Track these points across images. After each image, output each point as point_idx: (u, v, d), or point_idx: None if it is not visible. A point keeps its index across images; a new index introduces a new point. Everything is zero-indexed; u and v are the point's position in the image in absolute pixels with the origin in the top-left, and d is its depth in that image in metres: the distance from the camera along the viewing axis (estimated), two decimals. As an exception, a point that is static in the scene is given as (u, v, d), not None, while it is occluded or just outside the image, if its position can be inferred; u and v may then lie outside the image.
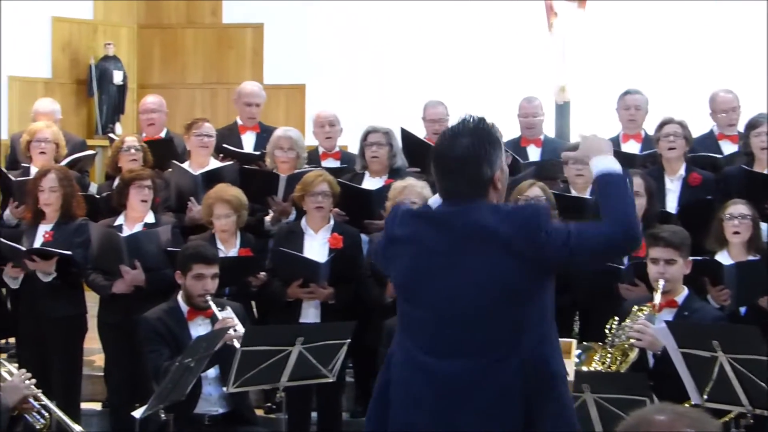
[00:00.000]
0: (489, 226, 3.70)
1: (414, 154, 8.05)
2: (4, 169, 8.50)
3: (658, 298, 5.80)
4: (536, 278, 3.74)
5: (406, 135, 8.34)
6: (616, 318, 5.86)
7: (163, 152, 8.19)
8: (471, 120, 3.84)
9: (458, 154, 3.77)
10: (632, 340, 5.66)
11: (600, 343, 5.82)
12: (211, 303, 6.23)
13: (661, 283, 5.80)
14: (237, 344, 5.84)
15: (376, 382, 4.01)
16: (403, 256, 3.84)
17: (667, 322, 5.51)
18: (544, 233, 3.68)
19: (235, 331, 6.02)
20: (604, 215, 3.78)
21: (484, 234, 3.70)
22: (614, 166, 3.87)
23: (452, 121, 8.64)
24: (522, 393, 3.66)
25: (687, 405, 5.03)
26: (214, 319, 6.26)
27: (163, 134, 8.92)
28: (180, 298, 6.42)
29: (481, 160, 3.78)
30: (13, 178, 8.05)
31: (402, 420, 3.80)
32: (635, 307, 5.86)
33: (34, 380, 4.98)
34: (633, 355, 5.68)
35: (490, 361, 3.68)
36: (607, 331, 5.84)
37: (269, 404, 7.56)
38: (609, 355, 5.74)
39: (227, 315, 6.20)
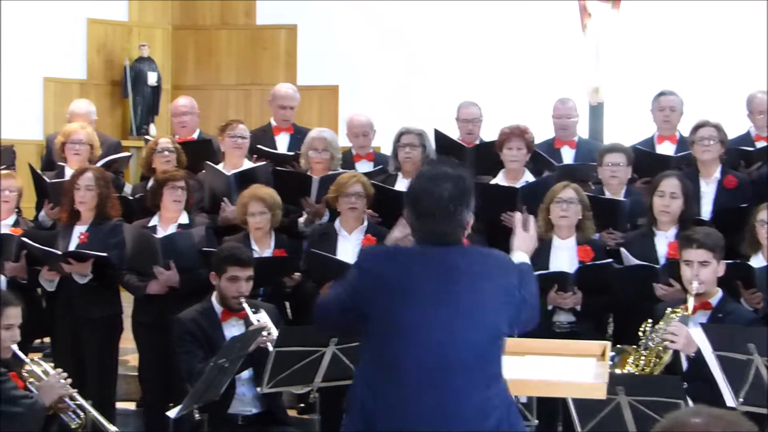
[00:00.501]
0: (480, 267, 3.90)
1: (448, 155, 8.03)
2: (39, 170, 8.54)
3: (691, 300, 5.77)
4: (512, 321, 3.98)
5: (440, 136, 8.33)
6: (650, 321, 5.84)
7: (199, 153, 8.21)
8: (449, 165, 4.00)
9: (443, 199, 3.88)
10: (666, 343, 5.63)
11: (634, 346, 5.80)
12: (245, 305, 6.25)
13: (695, 284, 5.78)
14: (270, 347, 5.86)
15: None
16: (388, 294, 3.87)
17: (701, 324, 5.48)
18: (519, 285, 3.99)
19: (269, 334, 6.04)
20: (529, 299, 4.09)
21: (476, 275, 3.87)
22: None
23: (486, 122, 8.76)
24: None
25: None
26: (247, 320, 6.27)
27: (195, 135, 8.95)
28: (214, 299, 6.45)
29: (464, 206, 3.93)
30: (48, 180, 8.09)
31: None
32: (668, 310, 5.83)
33: (69, 380, 5.01)
34: (666, 357, 5.66)
35: (483, 390, 3.84)
36: (640, 333, 5.82)
37: (302, 405, 7.57)
38: (643, 358, 5.72)
39: (261, 319, 6.22)
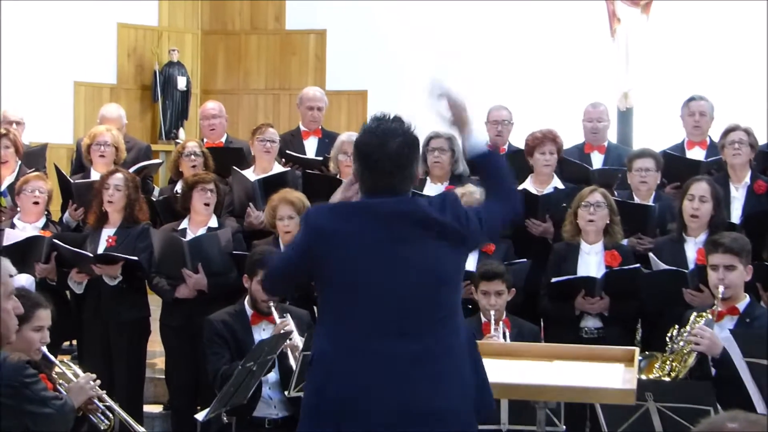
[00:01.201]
0: (423, 213, 3.99)
1: None
2: (68, 173, 8.58)
3: (718, 304, 5.75)
4: (460, 263, 4.12)
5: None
6: (677, 326, 5.82)
7: (229, 160, 8.23)
8: (396, 120, 4.14)
9: (393, 153, 4.01)
10: (691, 345, 5.61)
11: (662, 354, 5.78)
12: (273, 309, 6.27)
13: (721, 289, 5.75)
14: (291, 355, 5.88)
15: (305, 392, 4.10)
16: (338, 249, 3.95)
17: (730, 331, 5.46)
18: (464, 216, 4.04)
19: (290, 339, 6.06)
20: (492, 194, 4.28)
21: (419, 222, 3.97)
22: (482, 146, 4.46)
23: (517, 125, 8.74)
24: (468, 365, 3.98)
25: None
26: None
27: (223, 140, 8.98)
28: (246, 302, 6.48)
29: (413, 160, 4.08)
30: (72, 181, 8.13)
31: (355, 408, 3.88)
32: (694, 314, 5.81)
33: (98, 381, 5.03)
34: (691, 359, 5.62)
35: (441, 339, 3.93)
36: (667, 339, 5.80)
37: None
38: (669, 362, 5.70)
39: (285, 321, 6.24)
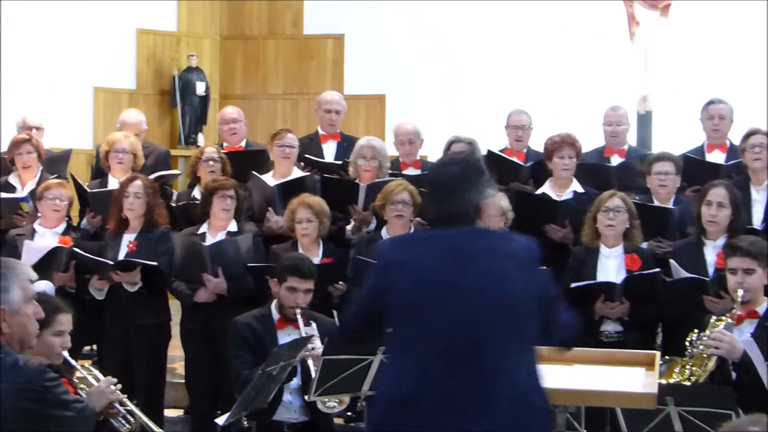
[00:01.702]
0: (496, 244, 4.01)
1: (502, 175, 7.90)
2: (88, 179, 8.60)
3: (737, 308, 5.73)
4: (532, 298, 3.99)
5: (494, 157, 8.23)
6: (696, 330, 5.80)
7: (250, 163, 8.23)
8: (461, 155, 4.37)
9: (450, 180, 4.04)
10: (711, 349, 5.58)
11: (681, 358, 5.76)
12: (299, 317, 6.28)
13: (740, 292, 5.73)
14: (311, 364, 5.89)
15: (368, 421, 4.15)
16: (405, 277, 3.96)
17: (752, 335, 5.44)
18: (541, 270, 4.11)
19: (313, 348, 6.06)
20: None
21: (491, 252, 3.96)
22: None
23: (535, 129, 8.74)
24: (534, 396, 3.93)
25: None
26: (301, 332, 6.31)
27: (243, 144, 8.99)
28: (273, 306, 6.50)
29: (471, 187, 4.03)
30: (88, 189, 8.16)
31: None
32: (713, 318, 5.79)
33: (119, 385, 5.04)
34: (711, 363, 5.61)
35: (509, 367, 3.88)
36: (687, 343, 5.77)
37: (349, 413, 7.56)
38: (688, 367, 5.68)
39: (310, 332, 6.24)
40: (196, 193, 8.10)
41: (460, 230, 4.00)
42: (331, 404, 6.06)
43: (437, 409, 3.84)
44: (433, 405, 3.85)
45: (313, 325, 6.34)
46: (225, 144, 8.93)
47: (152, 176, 8.16)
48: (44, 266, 7.13)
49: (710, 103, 8.44)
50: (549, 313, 4.07)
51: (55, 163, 8.77)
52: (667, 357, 5.81)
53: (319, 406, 6.10)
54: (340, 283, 7.20)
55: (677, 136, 10.10)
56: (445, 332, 3.88)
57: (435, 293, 3.91)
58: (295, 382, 6.22)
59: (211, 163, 8.08)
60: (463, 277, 3.90)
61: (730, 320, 5.68)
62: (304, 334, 6.19)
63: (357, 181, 7.93)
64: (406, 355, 3.95)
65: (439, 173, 4.14)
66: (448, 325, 3.88)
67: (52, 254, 7.36)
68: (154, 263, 7.26)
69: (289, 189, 7.69)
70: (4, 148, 8.78)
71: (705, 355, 5.63)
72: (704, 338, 5.66)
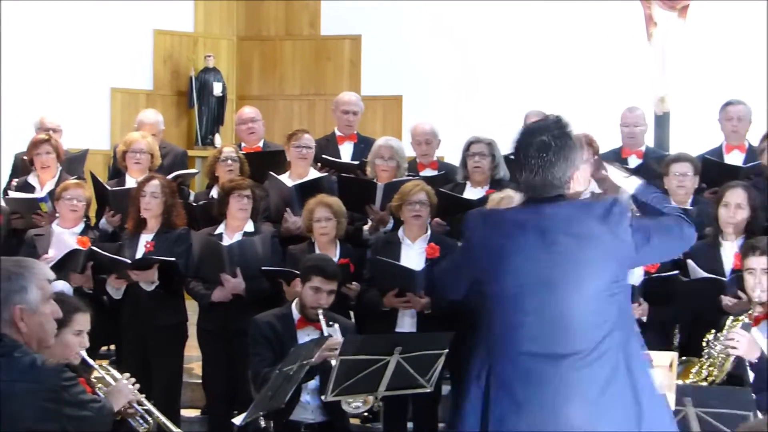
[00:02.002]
0: (585, 221, 3.89)
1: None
2: (104, 179, 8.62)
3: (755, 308, 5.70)
4: (625, 268, 4.00)
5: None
6: (713, 331, 5.77)
7: (267, 164, 8.23)
8: (554, 119, 4.06)
9: (537, 149, 3.95)
10: (728, 350, 5.56)
11: (698, 359, 5.74)
12: (321, 317, 6.28)
13: (758, 292, 5.71)
14: (334, 362, 5.87)
15: (465, 398, 4.07)
16: (495, 261, 3.92)
17: (768, 335, 5.43)
18: (631, 226, 3.94)
19: (335, 350, 6.05)
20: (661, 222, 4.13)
21: (580, 230, 3.88)
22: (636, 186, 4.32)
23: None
24: (630, 385, 3.87)
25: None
26: (322, 332, 6.31)
27: (260, 144, 9.00)
28: (294, 305, 6.50)
29: (560, 156, 3.97)
30: (109, 188, 8.17)
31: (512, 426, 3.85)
32: (731, 319, 5.76)
33: (137, 385, 5.05)
34: (728, 364, 5.58)
35: (598, 354, 3.84)
36: (704, 344, 5.75)
37: (366, 413, 7.56)
38: (706, 368, 5.66)
39: (333, 333, 6.24)
40: (215, 193, 8.11)
41: (546, 206, 3.95)
42: (356, 404, 6.04)
43: (526, 400, 3.85)
44: (522, 395, 3.86)
45: (336, 326, 6.34)
46: (243, 144, 8.95)
47: (170, 176, 8.17)
48: (61, 267, 7.15)
49: (729, 104, 8.42)
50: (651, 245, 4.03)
51: (72, 164, 8.81)
52: (684, 357, 5.79)
53: (344, 406, 6.09)
54: (353, 283, 7.20)
55: (695, 137, 10.06)
56: (532, 321, 3.88)
57: (525, 280, 3.89)
58: (314, 382, 6.21)
59: (229, 162, 8.09)
60: (552, 263, 3.88)
61: (747, 320, 5.66)
62: (327, 335, 6.19)
63: (374, 180, 7.93)
64: (496, 340, 3.95)
65: (527, 142, 4.02)
66: (541, 314, 3.88)
67: (70, 256, 7.37)
68: (172, 258, 7.27)
69: (307, 189, 7.68)
70: (23, 149, 8.82)
71: (722, 356, 5.61)
72: (721, 338, 5.64)
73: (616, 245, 3.92)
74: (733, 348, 5.53)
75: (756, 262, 5.79)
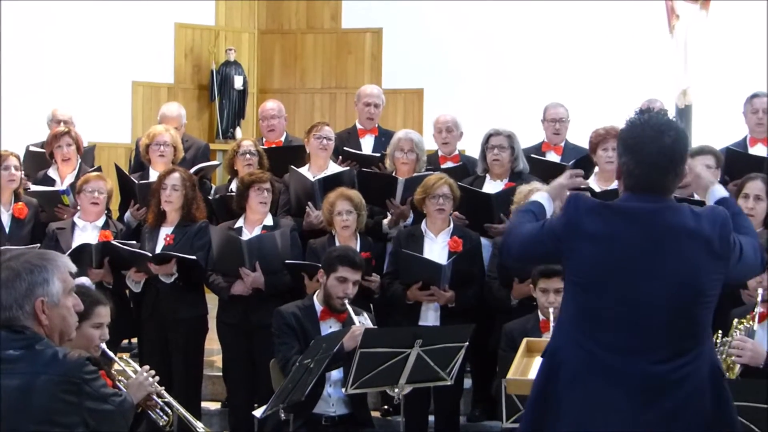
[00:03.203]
0: (690, 225, 3.80)
1: (545, 175, 7.84)
2: (126, 172, 8.63)
3: (758, 308, 5.65)
4: (721, 281, 3.86)
5: (535, 161, 8.20)
6: (720, 331, 5.71)
7: (288, 159, 8.21)
8: (665, 113, 3.94)
9: (668, 148, 3.82)
10: (733, 357, 5.52)
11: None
12: (348, 307, 6.28)
13: (760, 291, 5.66)
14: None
15: (537, 380, 3.99)
16: (592, 249, 3.82)
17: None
18: (733, 239, 3.85)
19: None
20: (747, 242, 3.97)
21: (687, 233, 3.78)
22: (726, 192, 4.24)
23: (574, 123, 8.68)
24: (707, 393, 3.78)
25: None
26: (346, 322, 6.33)
27: (282, 139, 8.99)
28: (316, 297, 6.50)
29: (684, 159, 3.89)
30: (136, 181, 8.18)
31: (579, 421, 3.79)
32: (735, 321, 5.70)
33: (157, 378, 5.06)
34: (736, 369, 5.53)
35: (682, 362, 3.76)
36: (713, 345, 5.70)
37: (386, 407, 7.57)
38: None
39: (363, 321, 6.24)
40: (234, 186, 8.11)
41: (657, 204, 3.84)
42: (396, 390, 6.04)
43: (597, 400, 3.77)
44: (593, 393, 3.77)
45: (365, 314, 6.35)
46: (264, 139, 8.95)
47: (192, 169, 8.18)
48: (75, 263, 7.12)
49: (754, 96, 8.36)
50: (740, 263, 3.92)
51: (86, 157, 8.80)
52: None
53: (388, 391, 6.11)
54: (374, 275, 7.19)
55: (717, 130, 10.01)
56: (628, 315, 3.77)
57: (622, 274, 3.78)
58: (337, 374, 6.23)
59: (248, 156, 8.08)
60: (655, 261, 3.76)
61: (750, 324, 5.59)
62: (358, 323, 6.20)
63: (393, 174, 7.92)
64: (582, 329, 3.85)
65: (655, 138, 3.82)
66: (632, 309, 3.77)
67: (79, 251, 7.27)
68: (193, 257, 7.28)
69: (330, 183, 7.67)
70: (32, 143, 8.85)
71: (729, 362, 5.56)
72: (727, 344, 5.58)
73: (718, 250, 3.83)
74: (738, 357, 5.48)
75: None
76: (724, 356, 5.56)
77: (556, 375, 3.86)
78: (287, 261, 7.18)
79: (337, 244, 7.21)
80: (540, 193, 4.41)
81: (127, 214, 8.15)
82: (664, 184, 3.86)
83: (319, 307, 6.47)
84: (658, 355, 3.76)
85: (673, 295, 3.76)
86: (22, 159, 8.23)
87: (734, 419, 3.90)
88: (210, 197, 8.21)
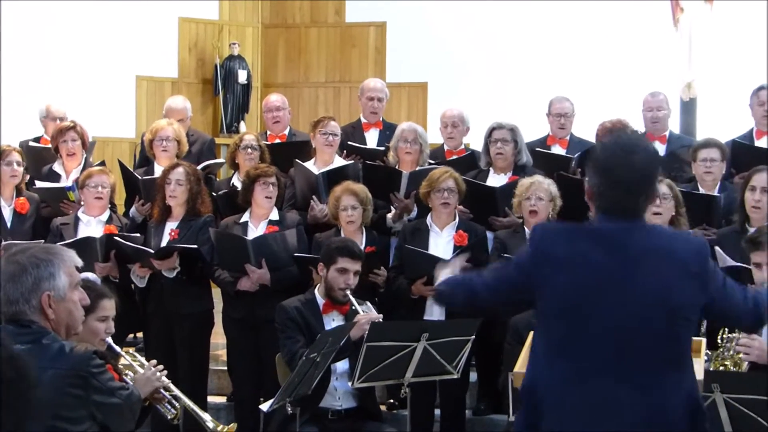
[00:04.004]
0: (663, 244, 3.74)
1: (551, 169, 7.84)
2: (130, 168, 8.62)
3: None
4: (699, 304, 3.78)
5: (541, 155, 8.21)
6: (725, 329, 5.71)
7: (292, 155, 8.20)
8: (636, 134, 3.90)
9: (637, 169, 3.75)
10: (741, 355, 5.51)
11: (714, 352, 5.68)
12: (351, 297, 6.28)
13: (766, 287, 5.64)
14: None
15: (519, 418, 3.93)
16: (563, 275, 3.72)
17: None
18: (711, 265, 3.78)
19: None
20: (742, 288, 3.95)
21: (660, 254, 3.71)
22: None
23: (578, 116, 8.67)
24: (685, 427, 3.72)
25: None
26: (349, 314, 6.33)
27: (286, 132, 8.99)
28: (317, 291, 6.50)
29: (655, 178, 3.83)
30: (140, 177, 8.18)
31: None
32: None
33: (165, 371, 5.06)
34: (744, 366, 5.53)
35: (664, 387, 3.68)
36: (719, 340, 5.69)
37: (392, 400, 7.57)
38: (723, 365, 5.60)
39: (367, 311, 6.25)
40: (235, 180, 8.10)
41: (630, 225, 3.76)
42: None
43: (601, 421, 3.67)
44: (597, 416, 3.68)
45: (368, 303, 6.35)
46: (269, 132, 8.94)
47: (199, 167, 8.17)
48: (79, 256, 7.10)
49: (761, 88, 8.37)
50: (726, 302, 3.86)
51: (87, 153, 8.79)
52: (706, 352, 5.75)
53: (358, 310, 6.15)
54: (381, 268, 7.19)
55: (722, 123, 10.01)
56: (605, 340, 3.67)
57: (597, 297, 3.69)
58: (342, 367, 6.23)
59: (249, 150, 8.08)
60: (629, 282, 3.67)
61: None
62: (362, 312, 6.21)
63: (397, 167, 7.91)
64: (560, 359, 3.73)
65: (623, 159, 3.75)
66: (608, 333, 3.66)
67: (84, 245, 7.19)
68: (193, 246, 7.27)
69: (334, 177, 7.67)
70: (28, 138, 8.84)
71: (737, 358, 5.56)
72: (734, 341, 5.57)
73: (701, 290, 3.75)
74: (746, 354, 5.47)
75: (761, 256, 5.70)
76: (731, 353, 5.56)
77: (538, 411, 3.76)
78: (297, 254, 7.18)
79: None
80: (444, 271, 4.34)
81: (132, 210, 8.15)
82: (635, 206, 3.78)
83: (321, 300, 6.47)
84: (636, 382, 3.67)
85: (648, 318, 3.66)
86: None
87: None
88: (214, 192, 8.19)
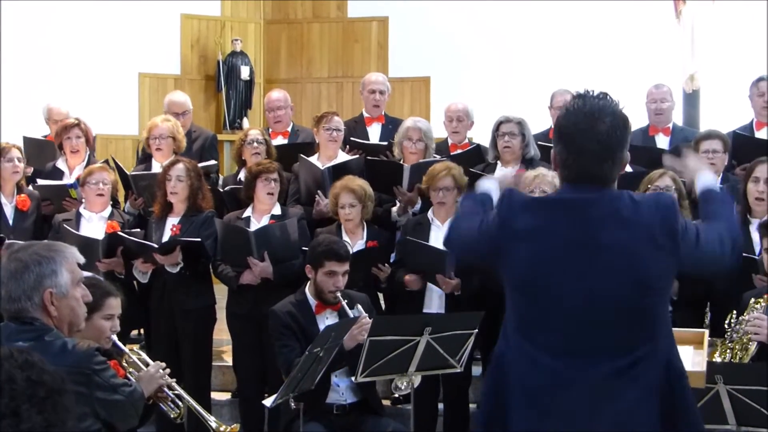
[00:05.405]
0: (627, 213, 3.55)
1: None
2: (133, 164, 8.63)
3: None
4: (670, 272, 3.62)
5: (546, 147, 8.21)
6: (734, 312, 5.72)
7: (295, 156, 8.19)
8: (602, 97, 3.66)
9: (603, 135, 3.57)
10: (750, 335, 5.51)
11: (721, 340, 5.69)
12: (341, 299, 6.28)
13: None
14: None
15: (485, 385, 3.87)
16: (525, 248, 3.59)
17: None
18: (680, 226, 3.58)
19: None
20: (713, 229, 3.73)
21: (624, 223, 3.53)
22: (715, 182, 3.97)
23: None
24: (661, 393, 3.54)
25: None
26: (341, 313, 6.32)
27: (289, 129, 8.99)
28: (308, 291, 6.48)
29: (623, 145, 3.63)
30: (128, 172, 8.20)
31: (527, 428, 3.60)
32: (752, 300, 5.71)
33: (168, 370, 5.06)
34: (752, 348, 5.54)
35: (632, 360, 3.53)
36: (726, 326, 5.70)
37: (396, 395, 7.56)
38: (729, 350, 5.61)
39: (357, 313, 6.24)
40: (243, 176, 8.11)
41: (596, 195, 3.57)
42: (403, 385, 6.04)
43: (570, 401, 3.55)
44: (566, 397, 3.54)
45: (359, 306, 6.33)
46: (271, 130, 8.95)
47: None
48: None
49: (760, 79, 8.37)
50: (700, 261, 3.68)
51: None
52: (709, 339, 5.75)
53: (394, 389, 6.10)
54: (386, 265, 7.20)
55: (725, 115, 10.00)
56: (569, 313, 3.53)
57: (560, 270, 3.53)
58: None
59: (255, 145, 8.08)
60: (592, 254, 3.51)
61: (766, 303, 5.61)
62: (351, 315, 6.19)
63: (401, 162, 7.91)
64: (523, 334, 3.63)
65: (586, 126, 3.58)
66: (572, 306, 3.53)
67: (86, 246, 6.96)
68: (197, 239, 7.28)
69: (340, 172, 7.67)
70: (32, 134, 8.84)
71: (745, 340, 5.56)
72: (743, 322, 5.58)
73: (670, 243, 3.57)
74: (755, 334, 5.48)
75: None
76: (740, 335, 5.57)
77: (504, 383, 3.66)
78: (304, 248, 7.18)
79: (343, 233, 7.22)
80: (488, 182, 4.16)
81: (126, 205, 8.17)
82: (602, 174, 3.58)
83: (312, 301, 6.45)
84: (605, 356, 3.52)
85: (615, 290, 3.51)
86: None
87: (695, 421, 3.65)
88: (219, 188, 8.20)
